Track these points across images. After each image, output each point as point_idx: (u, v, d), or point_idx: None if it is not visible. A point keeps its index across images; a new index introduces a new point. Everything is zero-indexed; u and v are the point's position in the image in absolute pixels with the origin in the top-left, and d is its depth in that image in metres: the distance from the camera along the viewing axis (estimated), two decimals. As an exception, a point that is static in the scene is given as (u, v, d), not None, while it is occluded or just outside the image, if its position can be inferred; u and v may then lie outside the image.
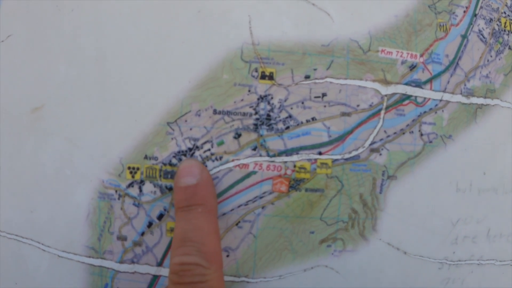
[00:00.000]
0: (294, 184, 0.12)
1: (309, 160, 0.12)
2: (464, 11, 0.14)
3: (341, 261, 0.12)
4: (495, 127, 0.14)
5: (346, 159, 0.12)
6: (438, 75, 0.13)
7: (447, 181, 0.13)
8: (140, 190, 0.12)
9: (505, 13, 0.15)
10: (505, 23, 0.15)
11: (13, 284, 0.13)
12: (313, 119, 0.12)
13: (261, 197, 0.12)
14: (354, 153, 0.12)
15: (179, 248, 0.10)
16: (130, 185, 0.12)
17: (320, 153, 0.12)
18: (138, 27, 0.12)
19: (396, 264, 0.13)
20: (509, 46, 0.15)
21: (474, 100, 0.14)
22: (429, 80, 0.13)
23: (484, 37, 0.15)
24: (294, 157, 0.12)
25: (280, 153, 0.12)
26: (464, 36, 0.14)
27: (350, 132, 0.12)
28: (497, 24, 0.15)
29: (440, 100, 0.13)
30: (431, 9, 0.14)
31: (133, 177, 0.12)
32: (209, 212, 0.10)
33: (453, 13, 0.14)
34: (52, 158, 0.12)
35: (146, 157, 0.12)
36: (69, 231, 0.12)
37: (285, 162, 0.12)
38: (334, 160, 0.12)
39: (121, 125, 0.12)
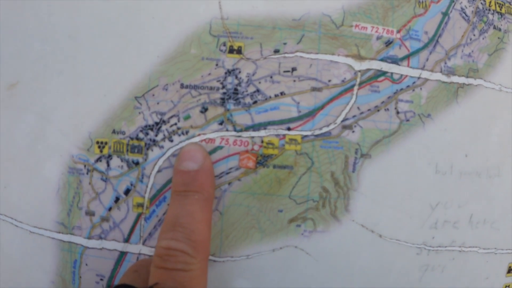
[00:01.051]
0: (262, 160, 0.11)
1: (277, 135, 0.11)
2: (446, -12, 0.14)
3: (312, 242, 0.11)
4: (478, 108, 0.13)
5: (317, 136, 0.11)
6: (416, 52, 0.13)
7: (426, 162, 0.12)
8: (108, 165, 0.12)
9: (490, -9, 0.14)
10: (490, 2, 0.14)
11: (-12, 260, 0.12)
12: (281, 93, 0.11)
13: (227, 173, 0.11)
14: (325, 130, 0.11)
15: (169, 232, 0.10)
16: (98, 159, 0.12)
17: (289, 129, 0.11)
18: (110, 2, 0.12)
19: (371, 247, 0.12)
20: (494, 25, 0.14)
21: (455, 79, 0.13)
22: (407, 57, 0.12)
23: (467, 15, 0.14)
24: (262, 132, 0.11)
25: (247, 128, 0.11)
26: (445, 14, 0.13)
27: (321, 107, 0.11)
28: (481, 3, 0.14)
29: (418, 78, 0.12)
30: (410, -14, 0.13)
31: (101, 151, 0.12)
32: (205, 200, 0.10)
33: (434, -10, 0.13)
34: (25, 134, 0.12)
35: (114, 132, 0.11)
36: (40, 207, 0.12)
37: (252, 137, 0.11)
38: (303, 136, 0.11)
39: (91, 100, 0.12)
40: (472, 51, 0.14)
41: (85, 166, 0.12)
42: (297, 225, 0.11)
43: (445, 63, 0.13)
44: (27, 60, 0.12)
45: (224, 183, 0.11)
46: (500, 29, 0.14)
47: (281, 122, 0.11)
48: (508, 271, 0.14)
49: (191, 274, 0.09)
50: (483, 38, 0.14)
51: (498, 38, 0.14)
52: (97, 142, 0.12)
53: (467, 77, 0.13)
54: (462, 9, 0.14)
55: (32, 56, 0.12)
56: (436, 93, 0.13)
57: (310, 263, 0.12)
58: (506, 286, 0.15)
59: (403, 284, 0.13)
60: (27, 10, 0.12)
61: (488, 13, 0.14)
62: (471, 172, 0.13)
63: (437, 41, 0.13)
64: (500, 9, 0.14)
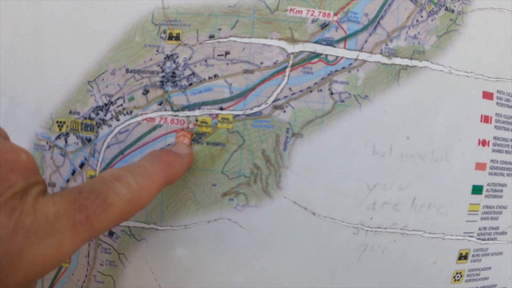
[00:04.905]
0: (196, 138, 0.13)
1: (210, 115, 0.13)
2: (392, -31, 0.14)
3: (244, 215, 0.13)
4: (423, 90, 0.14)
5: (248, 115, 0.13)
6: (354, 34, 0.13)
7: (362, 142, 0.13)
8: (66, 142, 0.14)
9: (443, -29, 0.15)
10: None
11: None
12: (215, 76, 0.13)
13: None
14: (256, 109, 0.13)
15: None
16: (58, 137, 0.14)
17: (221, 109, 0.13)
18: (69, -3, 0.14)
19: (304, 224, 0.13)
20: (446, 7, 0.14)
21: (397, 61, 0.14)
22: (343, 39, 0.13)
23: None
24: (196, 112, 0.13)
25: (183, 108, 0.13)
26: None
27: (252, 88, 0.13)
28: None
29: (355, 59, 0.13)
30: (351, -32, 0.14)
31: (60, 130, 0.14)
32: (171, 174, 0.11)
33: (378, -29, 0.14)
34: (0, 115, 0.15)
35: (70, 112, 0.14)
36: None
37: (188, 116, 0.13)
38: (235, 116, 0.13)
39: (52, 84, 0.14)
40: (418, 33, 0.14)
41: (47, 143, 0.14)
42: (230, 199, 0.13)
43: (386, 44, 0.14)
44: (0, 50, 0.15)
45: (162, 158, 0.13)
46: (453, 11, 0.15)
47: (214, 102, 0.13)
48: (459, 258, 0.15)
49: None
50: (432, 20, 0.14)
51: (450, 19, 0.14)
52: (57, 122, 0.14)
53: (411, 59, 0.14)
54: (409, -10, 0.14)
55: (4, 47, 0.15)
56: (375, 74, 0.13)
57: (244, 236, 0.13)
58: (457, 273, 0.15)
59: (340, 262, 0.14)
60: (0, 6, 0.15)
61: (440, -7, 0.14)
62: (414, 155, 0.14)
63: (378, 23, 0.14)
64: (455, -11, 0.15)
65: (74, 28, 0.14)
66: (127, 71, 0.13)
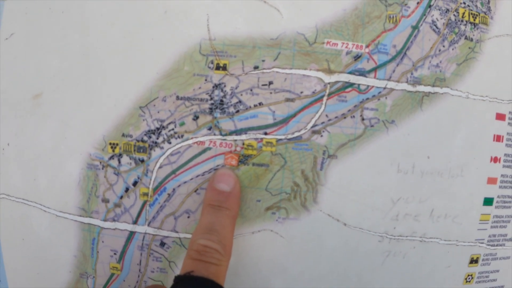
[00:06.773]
0: (243, 159, 0.15)
1: (255, 139, 0.15)
2: (418, 3, 0.16)
3: (285, 227, 0.15)
4: (443, 114, 0.16)
5: (289, 139, 0.15)
6: (384, 64, 0.15)
7: (388, 162, 0.15)
8: (119, 162, 0.16)
9: (464, 3, 0.16)
10: (464, 13, 0.16)
11: (21, 239, 0.17)
12: (260, 104, 0.15)
13: (215, 169, 0.15)
14: (296, 134, 0.15)
15: (205, 234, 0.14)
16: (111, 157, 0.16)
17: (265, 133, 0.15)
18: (116, 26, 0.15)
19: (337, 234, 0.15)
20: (466, 36, 0.16)
21: (421, 88, 0.16)
22: (374, 69, 0.15)
23: (437, 28, 0.16)
24: (243, 136, 0.15)
25: (231, 133, 0.15)
26: (415, 27, 0.16)
27: (293, 115, 0.15)
28: (454, 15, 0.16)
29: (384, 88, 0.15)
30: (381, 2, 0.15)
31: (113, 151, 0.16)
32: (232, 217, 0.14)
33: (405, 5, 0.16)
34: (50, 136, 0.16)
35: (123, 135, 0.15)
36: (64, 195, 0.16)
37: (235, 140, 0.15)
38: (278, 140, 0.15)
39: (103, 109, 0.16)
40: (440, 62, 0.16)
41: (100, 162, 0.16)
42: (272, 212, 0.15)
43: (412, 73, 0.16)
44: (48, 74, 0.16)
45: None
46: (472, 39, 0.17)
47: (259, 128, 0.15)
48: (471, 262, 0.17)
49: (220, 269, 0.13)
50: (452, 49, 0.16)
51: (469, 48, 0.16)
52: (110, 144, 0.16)
53: (433, 86, 0.16)
54: (433, 21, 0.16)
55: (52, 71, 0.16)
56: (401, 101, 0.16)
57: (284, 245, 0.15)
58: (468, 275, 0.18)
59: (366, 267, 0.16)
60: (44, 29, 0.16)
61: (460, 24, 0.16)
62: (433, 172, 0.16)
63: (405, 53, 0.16)
64: (474, 20, 0.17)
65: (122, 55, 0.15)
66: (178, 98, 0.15)
